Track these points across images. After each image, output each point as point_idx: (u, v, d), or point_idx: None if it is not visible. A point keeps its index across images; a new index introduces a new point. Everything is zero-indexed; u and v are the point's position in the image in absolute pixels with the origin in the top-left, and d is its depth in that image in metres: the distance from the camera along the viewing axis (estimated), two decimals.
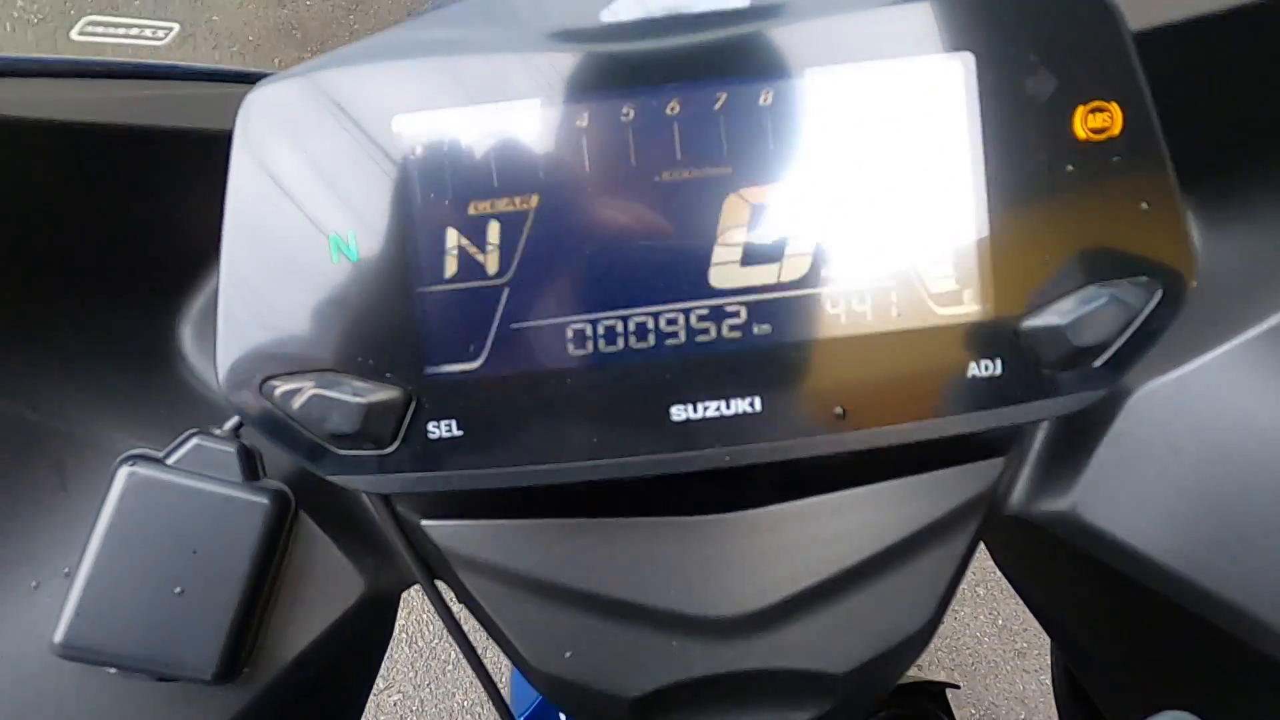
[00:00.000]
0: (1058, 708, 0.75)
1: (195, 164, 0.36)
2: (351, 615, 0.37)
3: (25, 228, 0.33)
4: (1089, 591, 0.46)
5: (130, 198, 0.36)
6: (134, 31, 0.34)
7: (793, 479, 0.36)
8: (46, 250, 0.34)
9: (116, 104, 0.34)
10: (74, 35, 0.33)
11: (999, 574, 0.66)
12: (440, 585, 0.38)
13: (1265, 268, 0.38)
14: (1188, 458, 0.36)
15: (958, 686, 0.85)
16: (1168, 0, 0.36)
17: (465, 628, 0.39)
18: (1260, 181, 0.38)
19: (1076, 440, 0.37)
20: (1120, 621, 0.50)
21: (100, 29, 0.33)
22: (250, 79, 0.42)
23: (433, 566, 0.37)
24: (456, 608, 0.39)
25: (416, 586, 0.38)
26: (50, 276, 0.35)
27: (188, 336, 0.39)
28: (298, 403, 0.29)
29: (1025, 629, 1.93)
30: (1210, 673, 0.41)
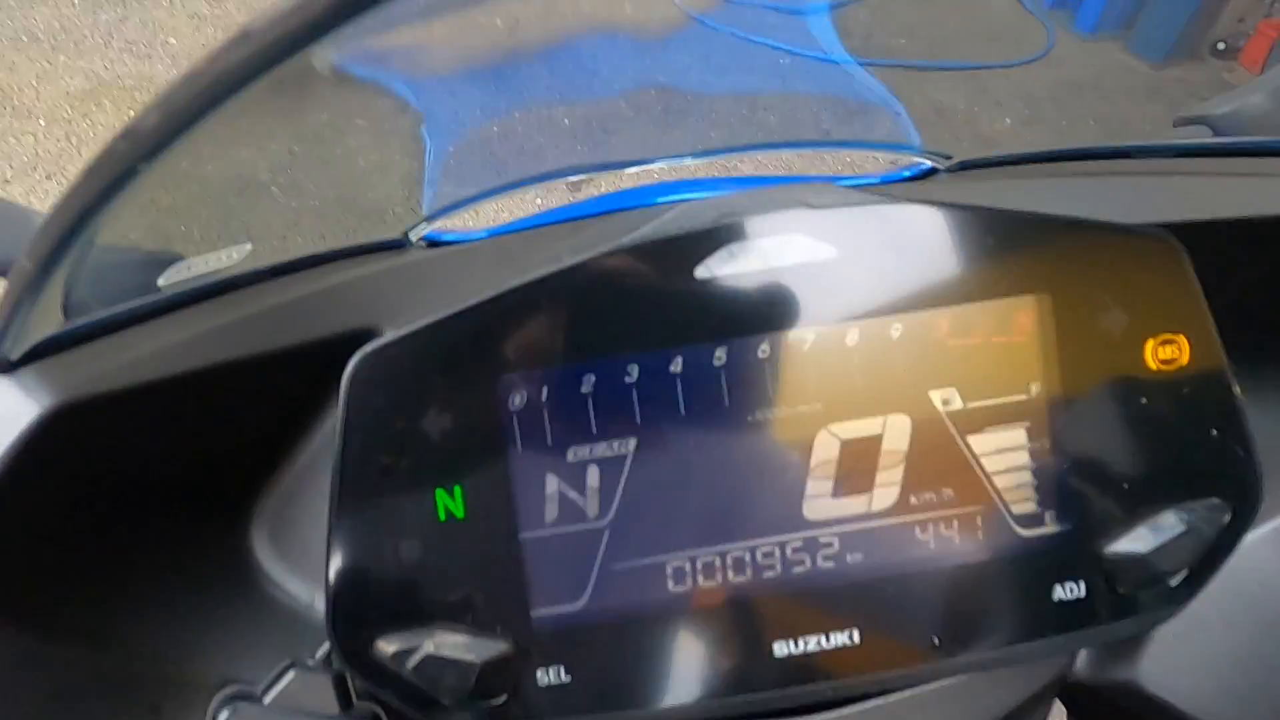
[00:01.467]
0: None
1: (259, 382, 0.37)
2: None
3: (117, 479, 0.33)
4: None
5: (202, 425, 0.36)
6: (212, 262, 0.34)
7: None
8: (132, 494, 0.34)
9: (188, 346, 0.34)
10: (160, 282, 0.33)
11: None
12: None
13: None
14: (1242, 631, 0.38)
15: None
16: (1226, 199, 0.38)
17: None
18: None
19: None
20: None
21: (184, 272, 0.33)
22: (295, 268, 0.42)
23: None
24: None
25: None
26: (135, 517, 0.35)
27: (260, 541, 0.39)
28: (412, 663, 0.30)
29: None
30: None
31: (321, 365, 0.38)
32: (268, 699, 0.33)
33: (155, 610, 0.35)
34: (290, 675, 0.34)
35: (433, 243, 0.48)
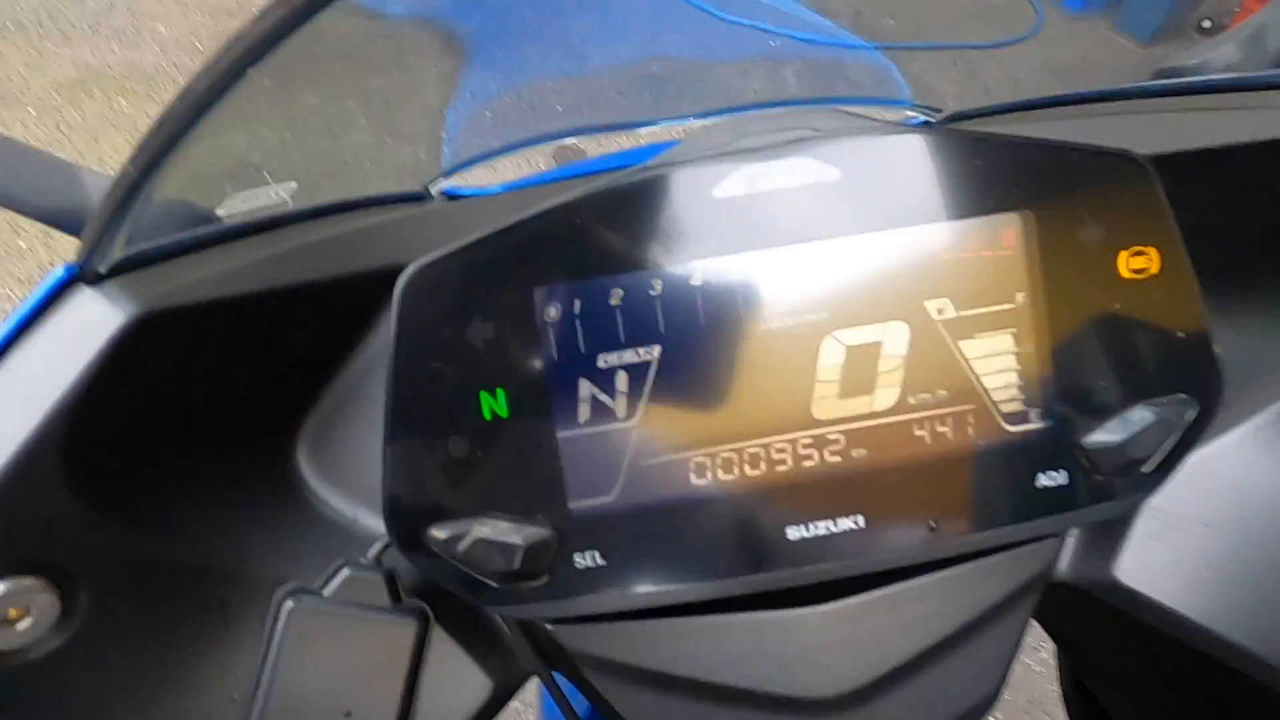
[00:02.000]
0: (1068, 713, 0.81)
1: (309, 309, 0.40)
2: (484, 711, 0.41)
3: (187, 392, 0.36)
4: (1118, 648, 0.51)
5: (258, 346, 0.39)
6: (262, 197, 0.37)
7: (874, 572, 0.40)
8: (197, 407, 0.37)
9: (261, 267, 0.37)
10: (220, 212, 0.36)
11: None
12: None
13: (1268, 357, 0.43)
14: (1215, 529, 0.41)
15: None
16: (1198, 131, 0.41)
17: None
18: (1263, 283, 0.43)
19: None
20: (1148, 675, 0.55)
21: (240, 203, 0.36)
22: (383, 201, 0.45)
23: (551, 660, 0.41)
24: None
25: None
26: (199, 428, 0.38)
27: (303, 458, 0.43)
28: (462, 546, 0.33)
29: None
30: (1221, 711, 0.46)
31: (357, 299, 0.41)
32: (326, 591, 0.37)
33: (218, 516, 0.38)
34: (345, 573, 0.37)
35: (451, 197, 0.51)
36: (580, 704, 0.48)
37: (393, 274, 0.32)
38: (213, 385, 0.38)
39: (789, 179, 0.33)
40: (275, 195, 0.39)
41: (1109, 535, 0.43)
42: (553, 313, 0.33)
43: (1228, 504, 0.41)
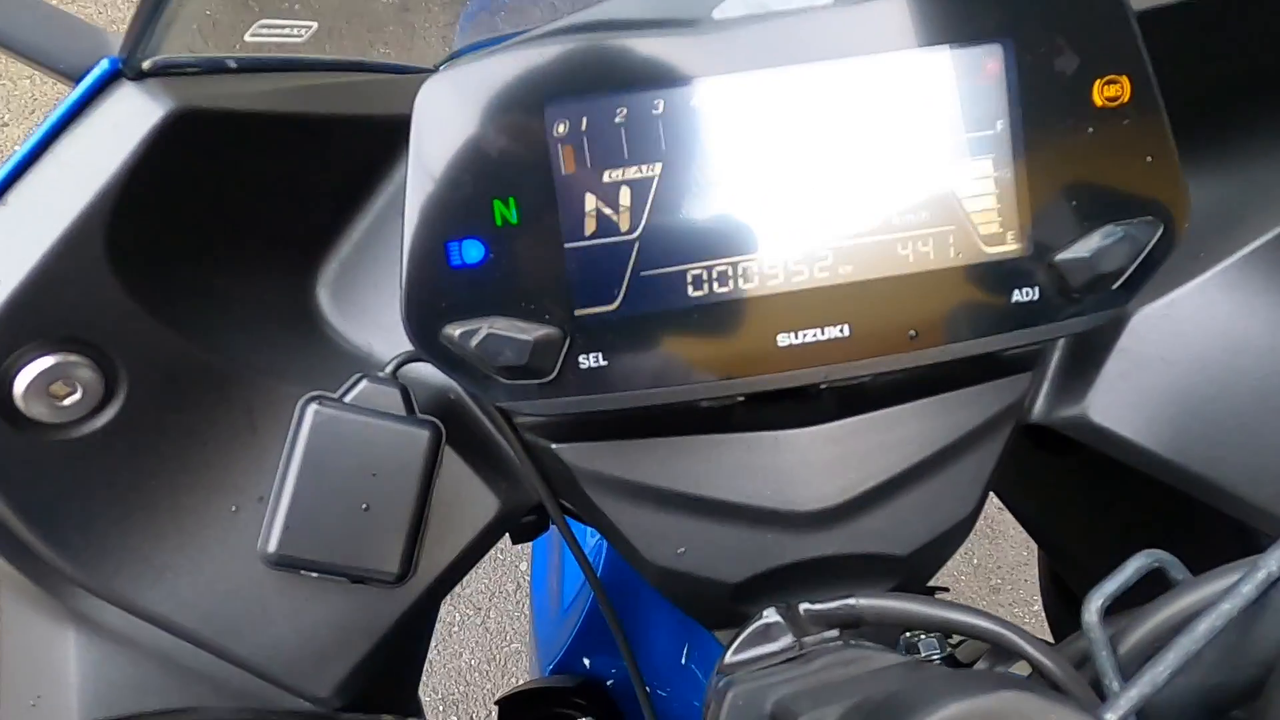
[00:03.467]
0: (1046, 614, 0.84)
1: (333, 142, 0.42)
2: (487, 531, 0.44)
3: (216, 199, 0.39)
4: (1083, 492, 0.54)
5: (287, 170, 0.41)
6: (287, 31, 0.38)
7: (859, 397, 0.43)
8: (226, 217, 0.40)
9: (289, 94, 0.39)
10: (247, 38, 0.37)
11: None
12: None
13: (1239, 205, 0.45)
14: (1179, 368, 0.44)
15: (946, 590, 0.94)
16: None
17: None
18: (1233, 132, 0.46)
19: (1087, 358, 0.45)
20: (1108, 517, 0.58)
21: (265, 31, 0.37)
22: (395, 70, 0.47)
23: (553, 486, 0.44)
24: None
25: None
26: (225, 239, 0.40)
27: (325, 299, 0.45)
28: (474, 341, 0.35)
29: (999, 567, 2.07)
30: (1184, 542, 0.49)
31: (376, 144, 0.44)
32: (347, 399, 0.39)
33: (247, 331, 0.41)
34: (364, 384, 0.40)
35: None
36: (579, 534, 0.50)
37: (409, 124, 0.35)
38: (244, 198, 0.40)
39: (784, 3, 0.35)
40: (296, 32, 0.41)
41: (1080, 377, 0.45)
42: (561, 128, 0.35)
43: (1193, 344, 0.44)
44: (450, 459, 0.43)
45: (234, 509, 0.40)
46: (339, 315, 0.45)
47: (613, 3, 0.36)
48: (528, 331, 0.36)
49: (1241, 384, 0.43)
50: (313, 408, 0.38)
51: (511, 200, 0.36)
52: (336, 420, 0.38)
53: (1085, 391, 0.45)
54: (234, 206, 0.40)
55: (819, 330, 0.37)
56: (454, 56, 0.60)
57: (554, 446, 0.42)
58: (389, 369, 0.41)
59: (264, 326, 0.42)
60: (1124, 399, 0.44)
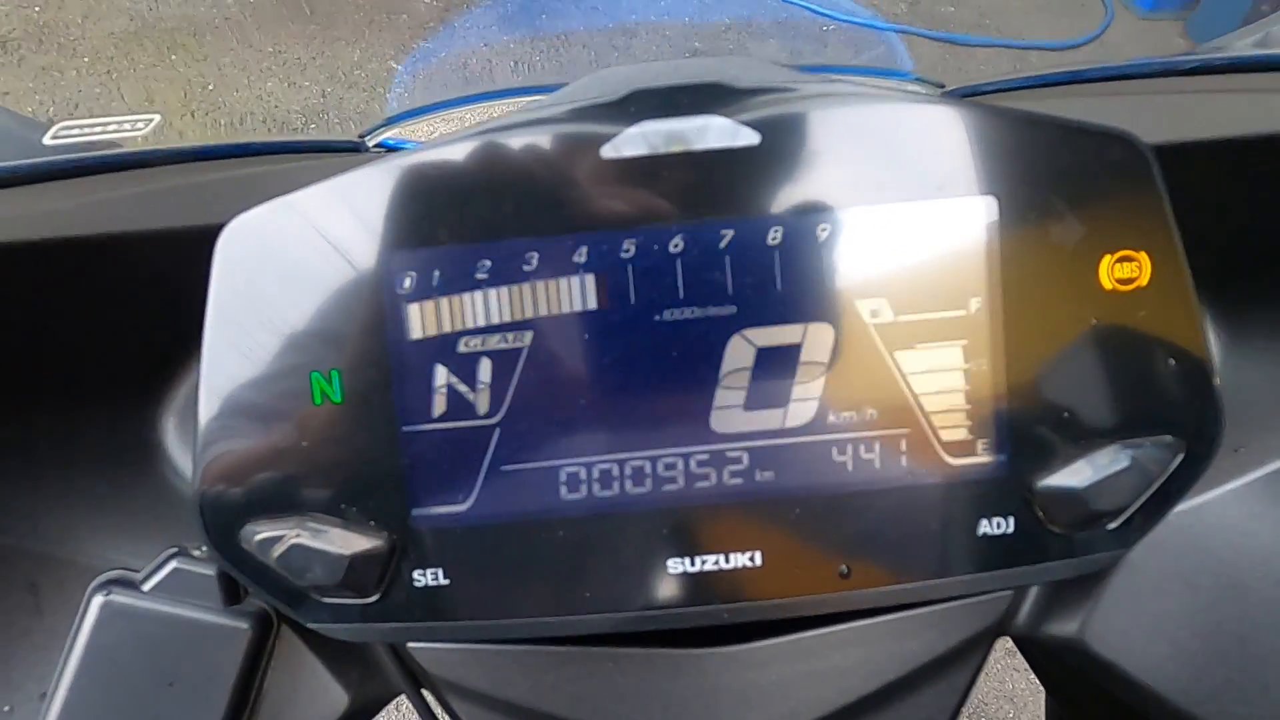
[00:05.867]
0: None
1: (170, 261, 0.35)
2: None
3: (18, 342, 0.32)
4: (1099, 707, 0.45)
5: (105, 302, 0.34)
6: (111, 128, 0.32)
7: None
8: (19, 366, 0.33)
9: (91, 210, 0.32)
10: (47, 140, 0.31)
11: None
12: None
13: None
14: (1202, 593, 0.35)
15: None
16: (1200, 118, 0.34)
17: None
18: None
19: None
20: None
21: (75, 131, 0.31)
22: (230, 154, 0.40)
23: (419, 679, 0.36)
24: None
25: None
26: (23, 392, 0.33)
27: (169, 429, 0.38)
28: (277, 552, 0.28)
29: None
30: None
31: None
32: (147, 586, 0.32)
33: (43, 487, 0.34)
34: (173, 564, 0.32)
35: (390, 150, 0.46)
36: None
37: None
38: (47, 342, 0.33)
39: (695, 140, 0.27)
40: (131, 128, 0.34)
41: (1078, 589, 0.36)
42: (405, 284, 0.28)
43: (1223, 565, 0.34)
44: (293, 645, 0.36)
45: (7, 709, 0.33)
46: (183, 448, 0.38)
47: (477, 127, 0.28)
48: (345, 544, 0.28)
49: None
50: (100, 598, 0.31)
51: (335, 373, 0.28)
52: (129, 614, 0.31)
53: (1083, 609, 0.36)
54: (33, 348, 0.33)
55: (723, 557, 0.29)
56: (388, 122, 0.53)
57: (410, 646, 0.35)
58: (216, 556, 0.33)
59: (79, 476, 0.35)
60: (1130, 625, 0.35)
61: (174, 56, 2.92)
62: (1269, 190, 0.35)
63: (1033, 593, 0.37)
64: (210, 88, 2.73)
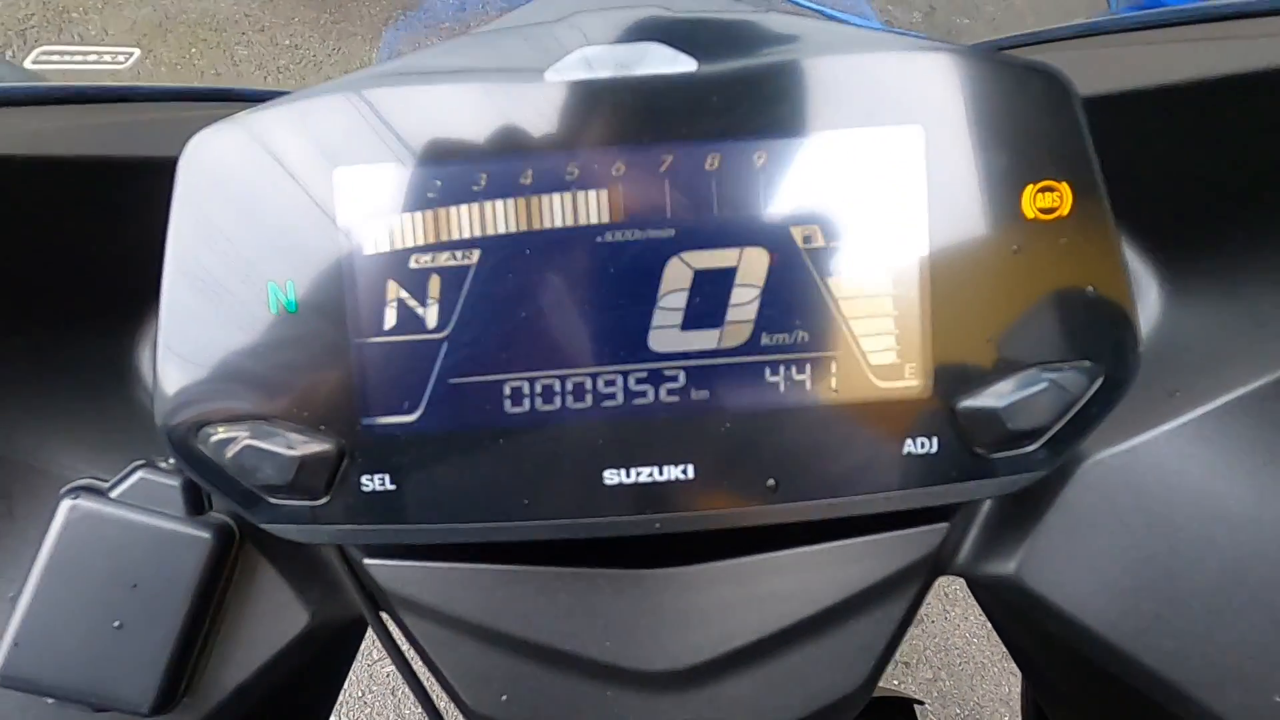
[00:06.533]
0: None
1: (153, 189, 0.37)
2: (296, 646, 0.37)
3: (4, 257, 0.34)
4: (1040, 646, 0.46)
5: (88, 225, 0.36)
6: (92, 58, 0.34)
7: (732, 536, 0.36)
8: (19, 276, 0.35)
9: (76, 133, 0.34)
10: (28, 64, 0.33)
11: None
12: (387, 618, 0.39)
13: (1230, 339, 0.37)
14: (1135, 531, 0.35)
15: (922, 703, 0.85)
16: (1133, 66, 0.35)
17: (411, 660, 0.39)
18: (1230, 250, 0.37)
19: (1025, 505, 0.37)
20: (1073, 676, 0.50)
21: (56, 57, 0.33)
22: (213, 97, 0.42)
23: (379, 601, 0.38)
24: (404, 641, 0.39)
25: None
26: (4, 309, 0.35)
27: (145, 357, 0.40)
28: (231, 452, 0.29)
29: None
30: None
31: None
32: (114, 494, 0.34)
33: (19, 398, 0.36)
34: (140, 474, 0.34)
35: None
36: None
37: None
38: (30, 261, 0.35)
39: (634, 65, 0.29)
40: (112, 60, 0.36)
41: (1014, 528, 0.37)
42: (359, 200, 0.29)
43: (1155, 504, 0.35)
44: (255, 561, 0.37)
45: None
46: None
47: (431, 51, 0.30)
48: (294, 445, 0.30)
49: (1212, 560, 0.35)
50: (67, 502, 0.33)
51: (290, 284, 0.30)
52: (95, 518, 0.33)
53: (1018, 547, 0.37)
54: (16, 267, 0.35)
55: (656, 469, 0.30)
56: None
57: (366, 561, 0.36)
58: (174, 458, 0.35)
59: (54, 391, 0.37)
60: (1064, 562, 0.36)
61: (194, 50, 2.97)
62: (1210, 141, 0.36)
63: (973, 532, 0.38)
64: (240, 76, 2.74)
